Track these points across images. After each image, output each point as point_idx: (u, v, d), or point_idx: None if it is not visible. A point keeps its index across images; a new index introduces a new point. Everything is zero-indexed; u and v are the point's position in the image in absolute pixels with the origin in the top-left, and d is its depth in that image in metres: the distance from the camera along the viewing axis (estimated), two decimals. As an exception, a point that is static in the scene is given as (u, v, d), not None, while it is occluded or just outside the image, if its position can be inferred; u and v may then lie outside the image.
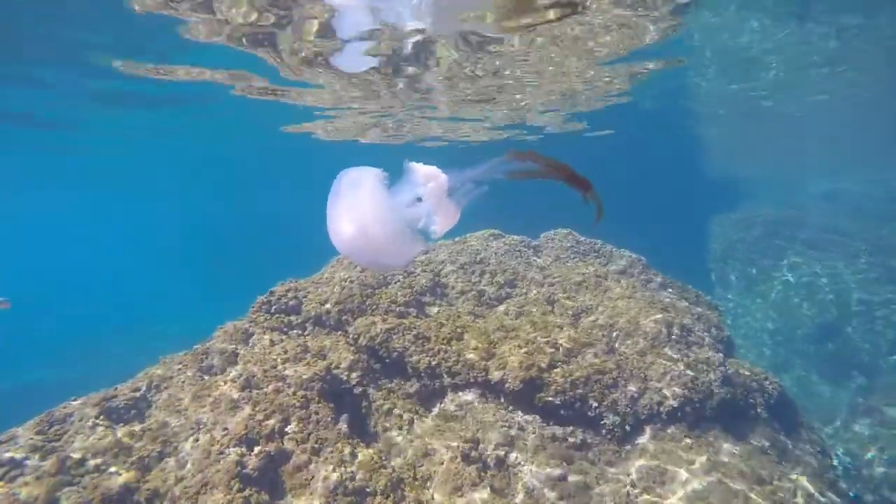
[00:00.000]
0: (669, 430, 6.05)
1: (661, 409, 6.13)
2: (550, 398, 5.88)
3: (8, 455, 4.43)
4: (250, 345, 6.22)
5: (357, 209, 2.67)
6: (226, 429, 4.98)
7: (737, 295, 16.43)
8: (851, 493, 6.44)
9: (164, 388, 5.72)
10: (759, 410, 6.87)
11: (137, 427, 5.10)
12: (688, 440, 5.88)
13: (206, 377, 5.97)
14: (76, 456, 4.62)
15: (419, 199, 2.73)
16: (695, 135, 25.34)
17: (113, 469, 4.61)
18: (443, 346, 6.31)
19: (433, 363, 6.14)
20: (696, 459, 5.57)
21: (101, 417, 5.16)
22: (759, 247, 16.46)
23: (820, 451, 7.18)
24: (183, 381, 5.80)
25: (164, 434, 5.05)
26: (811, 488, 5.47)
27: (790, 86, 14.55)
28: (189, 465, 4.74)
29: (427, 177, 2.71)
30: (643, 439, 5.96)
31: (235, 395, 5.30)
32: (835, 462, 7.75)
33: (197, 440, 5.00)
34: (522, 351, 6.22)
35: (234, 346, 6.22)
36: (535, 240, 10.43)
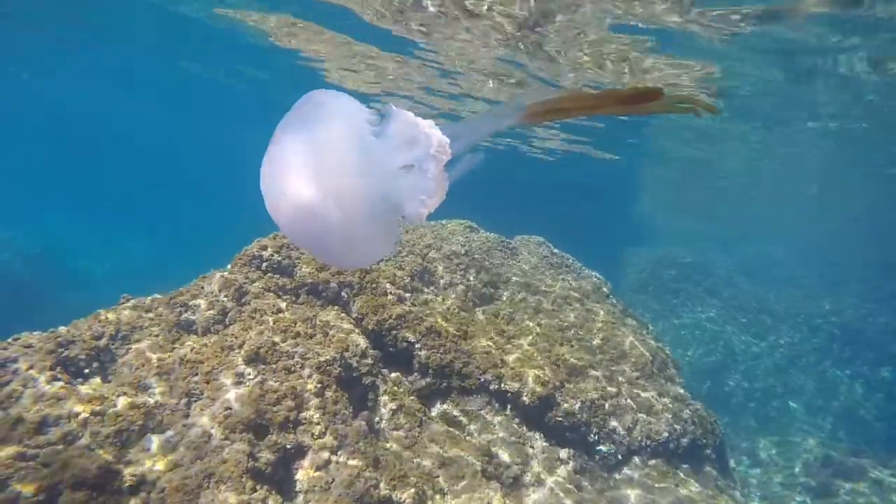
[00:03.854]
0: (652, 463, 6.20)
1: (649, 442, 6.26)
2: (561, 418, 5.71)
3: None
4: (247, 306, 5.22)
5: (328, 160, 1.60)
6: (228, 409, 4.10)
7: (644, 325, 17.82)
8: None
9: (135, 340, 4.59)
10: (708, 451, 7.34)
11: (108, 389, 4.01)
12: (673, 474, 6.06)
13: (187, 335, 4.91)
14: (32, 418, 3.49)
15: (409, 166, 1.73)
16: (631, 178, 26.91)
17: (83, 442, 3.56)
18: (453, 345, 5.84)
19: (444, 361, 5.66)
20: (684, 495, 5.75)
21: (59, 369, 3.98)
22: (671, 286, 17.91)
23: (743, 491, 7.92)
24: (157, 336, 4.71)
25: (144, 403, 4.03)
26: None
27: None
28: (182, 449, 3.82)
29: (440, 143, 1.70)
30: (630, 470, 6.04)
31: (239, 368, 4.40)
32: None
33: (188, 416, 4.06)
34: (534, 364, 5.97)
35: (223, 304, 5.19)
36: (511, 240, 10.23)
